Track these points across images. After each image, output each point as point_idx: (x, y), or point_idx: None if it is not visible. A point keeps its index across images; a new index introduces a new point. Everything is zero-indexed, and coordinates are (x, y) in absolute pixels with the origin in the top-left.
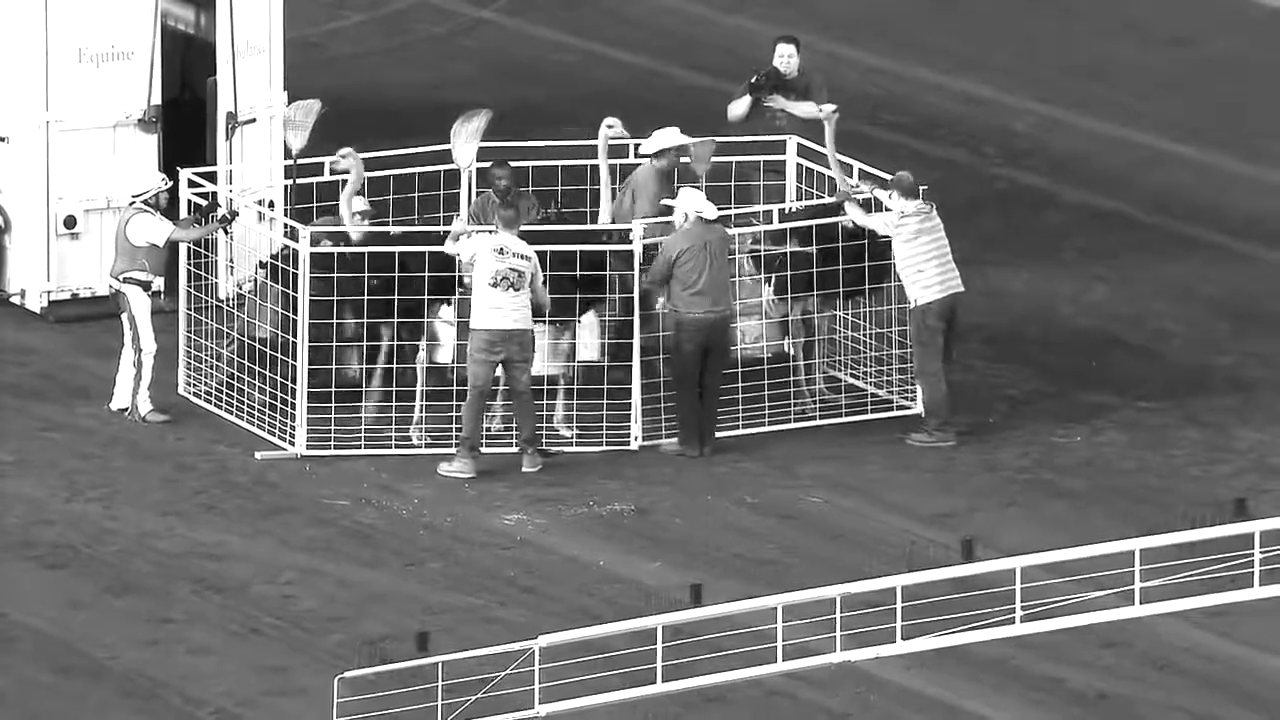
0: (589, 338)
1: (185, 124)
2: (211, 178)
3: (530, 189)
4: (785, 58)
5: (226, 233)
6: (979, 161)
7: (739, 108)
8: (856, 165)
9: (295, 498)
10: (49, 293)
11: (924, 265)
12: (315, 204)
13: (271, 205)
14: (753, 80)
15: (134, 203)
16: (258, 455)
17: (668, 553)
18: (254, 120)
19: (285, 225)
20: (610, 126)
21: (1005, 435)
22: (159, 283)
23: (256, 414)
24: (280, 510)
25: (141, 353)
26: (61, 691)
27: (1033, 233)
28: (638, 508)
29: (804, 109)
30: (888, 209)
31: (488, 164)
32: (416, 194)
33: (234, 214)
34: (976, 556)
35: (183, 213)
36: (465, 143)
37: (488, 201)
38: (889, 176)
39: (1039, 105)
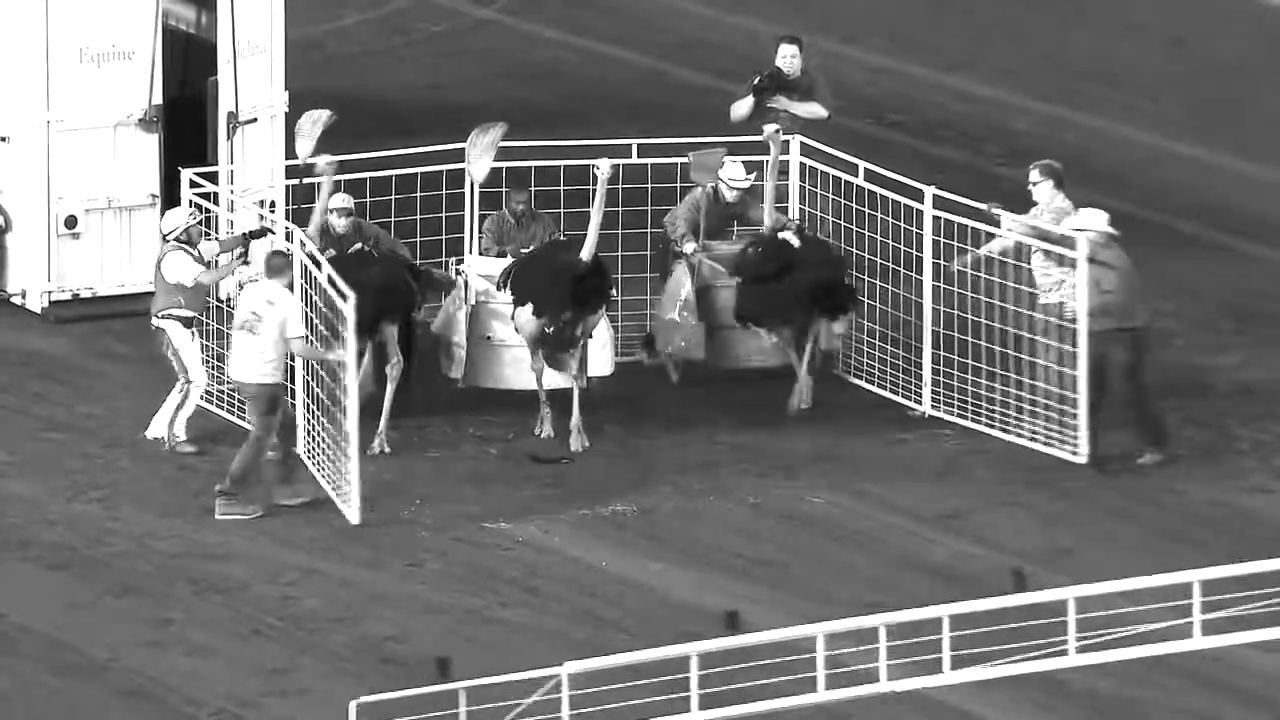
0: (601, 353)
1: (186, 123)
2: (212, 178)
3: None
4: (788, 58)
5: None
6: (981, 161)
7: (742, 108)
8: (862, 165)
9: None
10: (50, 293)
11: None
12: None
13: (273, 206)
14: (756, 81)
15: (167, 239)
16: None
17: (669, 553)
18: (255, 120)
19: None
20: (599, 167)
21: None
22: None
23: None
24: (281, 511)
25: (191, 385)
26: (62, 692)
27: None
28: (640, 508)
29: (807, 109)
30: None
31: (502, 164)
32: (418, 194)
33: (265, 230)
34: (1028, 586)
35: (183, 205)
36: (480, 156)
37: (502, 222)
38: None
39: (1040, 104)
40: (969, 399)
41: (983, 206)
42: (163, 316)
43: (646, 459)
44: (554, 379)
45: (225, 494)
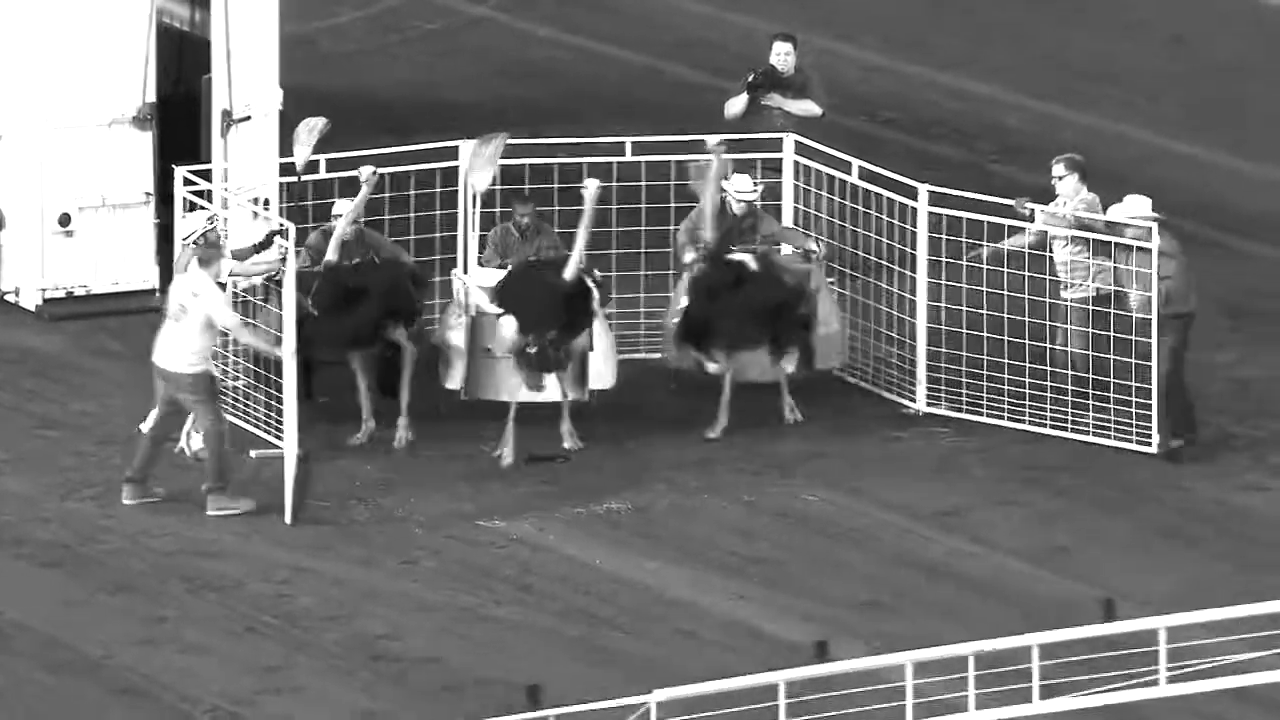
0: (603, 367)
1: (180, 121)
2: (206, 176)
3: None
4: (782, 55)
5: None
6: (975, 158)
7: (736, 106)
8: (856, 163)
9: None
10: (44, 290)
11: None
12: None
13: (266, 204)
14: (750, 79)
15: (187, 245)
16: (251, 454)
17: (664, 551)
18: (249, 118)
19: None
20: (586, 187)
21: (1001, 432)
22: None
23: (251, 412)
24: (275, 508)
25: None
26: (56, 690)
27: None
28: (634, 506)
29: (801, 107)
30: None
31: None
32: (412, 192)
33: (279, 231)
34: (1117, 615)
35: (179, 212)
36: (482, 168)
37: (507, 234)
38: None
39: (1035, 102)
40: (1004, 397)
41: (1012, 202)
42: None
43: (641, 457)
44: (534, 395)
45: (212, 490)
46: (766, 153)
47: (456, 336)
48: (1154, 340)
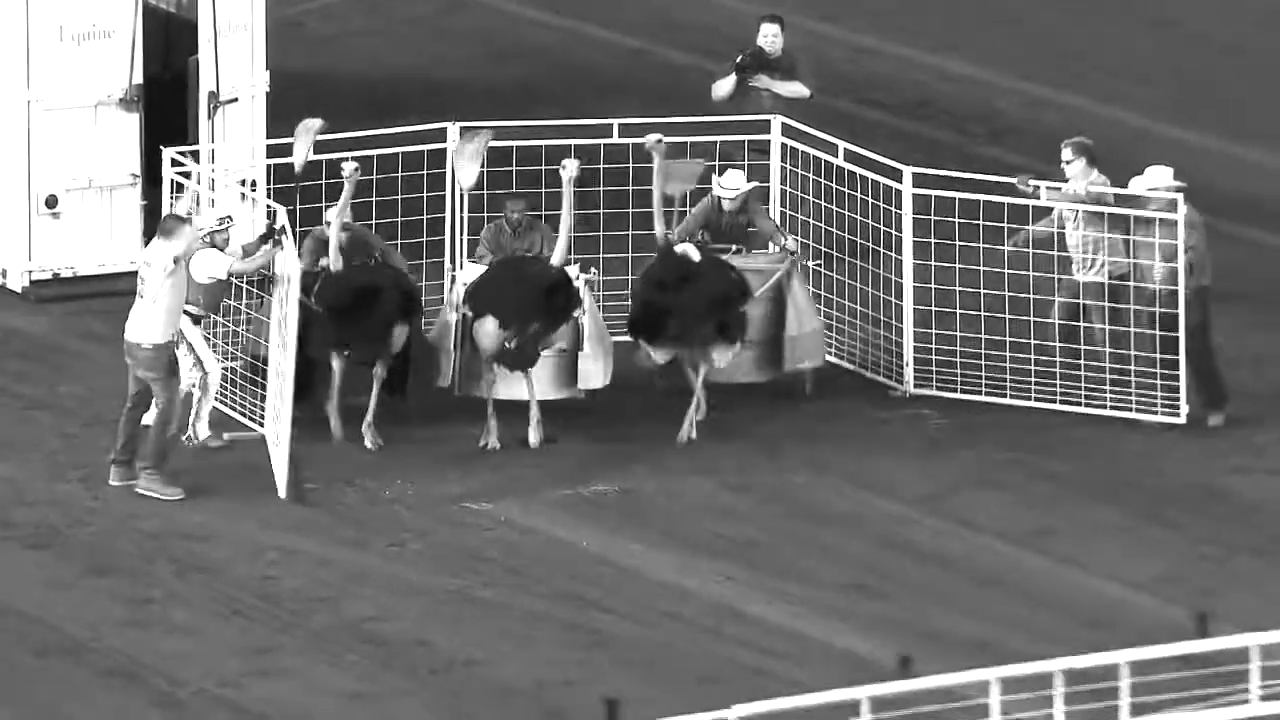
0: (592, 366)
1: (167, 103)
2: (194, 157)
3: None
4: (770, 37)
5: (278, 244)
6: (964, 140)
7: (723, 87)
8: (842, 145)
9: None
10: (30, 273)
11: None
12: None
13: (254, 185)
14: (738, 60)
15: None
16: (225, 436)
17: (650, 534)
18: (236, 99)
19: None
20: (564, 167)
21: (988, 414)
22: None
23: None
24: (263, 491)
25: (207, 375)
26: (43, 671)
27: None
28: (621, 489)
29: (789, 88)
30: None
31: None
32: (400, 174)
33: (280, 229)
34: (1209, 631)
35: (213, 209)
36: (468, 162)
37: (499, 232)
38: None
39: (1024, 84)
40: (994, 377)
41: (1014, 181)
42: None
43: (629, 439)
44: (510, 390)
45: (146, 469)
46: (754, 134)
47: (448, 333)
48: (1180, 311)
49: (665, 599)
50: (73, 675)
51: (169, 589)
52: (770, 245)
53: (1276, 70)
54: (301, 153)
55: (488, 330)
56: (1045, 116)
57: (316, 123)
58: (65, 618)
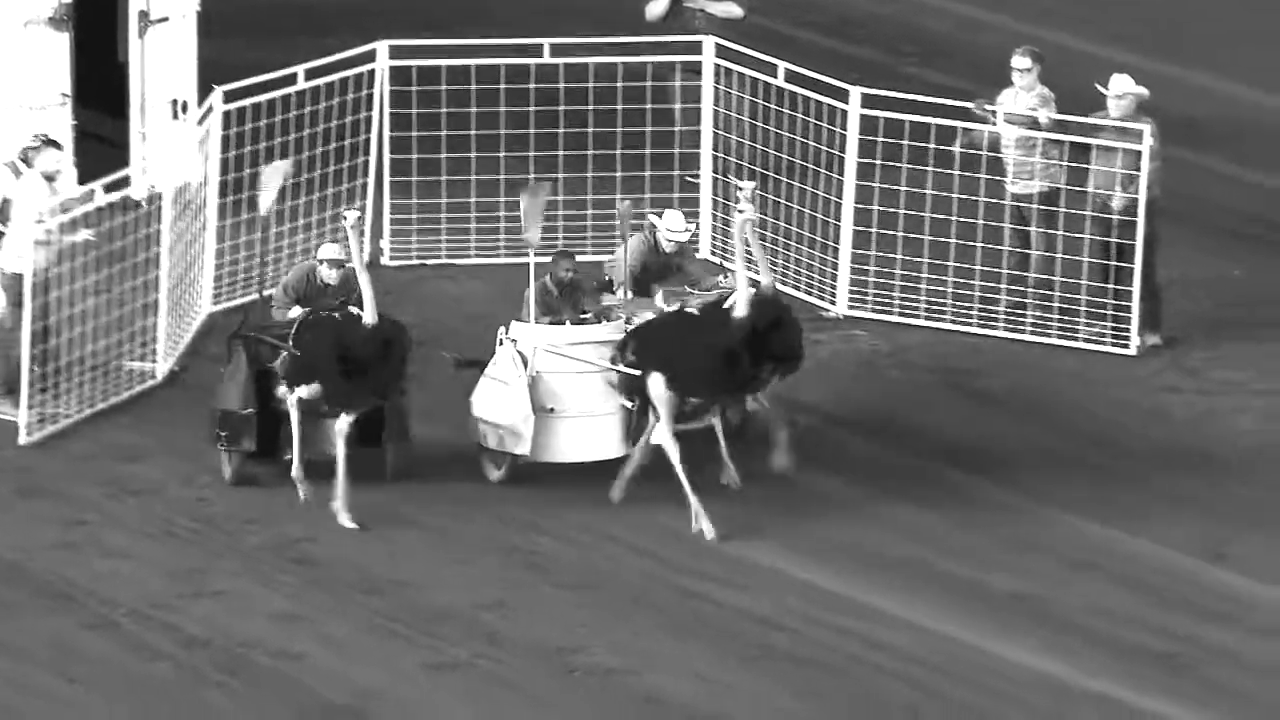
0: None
1: (97, 23)
2: (123, 75)
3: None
4: None
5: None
6: (896, 61)
7: (657, 8)
8: (782, 65)
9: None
10: None
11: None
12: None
13: (184, 107)
14: None
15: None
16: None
17: (575, 475)
18: (166, 19)
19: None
20: (345, 217)
21: (919, 335)
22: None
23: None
24: (194, 414)
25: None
26: None
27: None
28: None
29: (722, 8)
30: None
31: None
32: (334, 101)
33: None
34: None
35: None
36: (533, 220)
37: (546, 293)
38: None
39: (959, 5)
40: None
41: (970, 105)
42: None
43: None
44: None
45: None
46: (687, 55)
47: (516, 399)
48: (1139, 242)
49: (599, 522)
50: (4, 598)
51: (101, 511)
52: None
53: None
54: (269, 197)
55: (660, 386)
56: (979, 38)
57: (284, 164)
58: None
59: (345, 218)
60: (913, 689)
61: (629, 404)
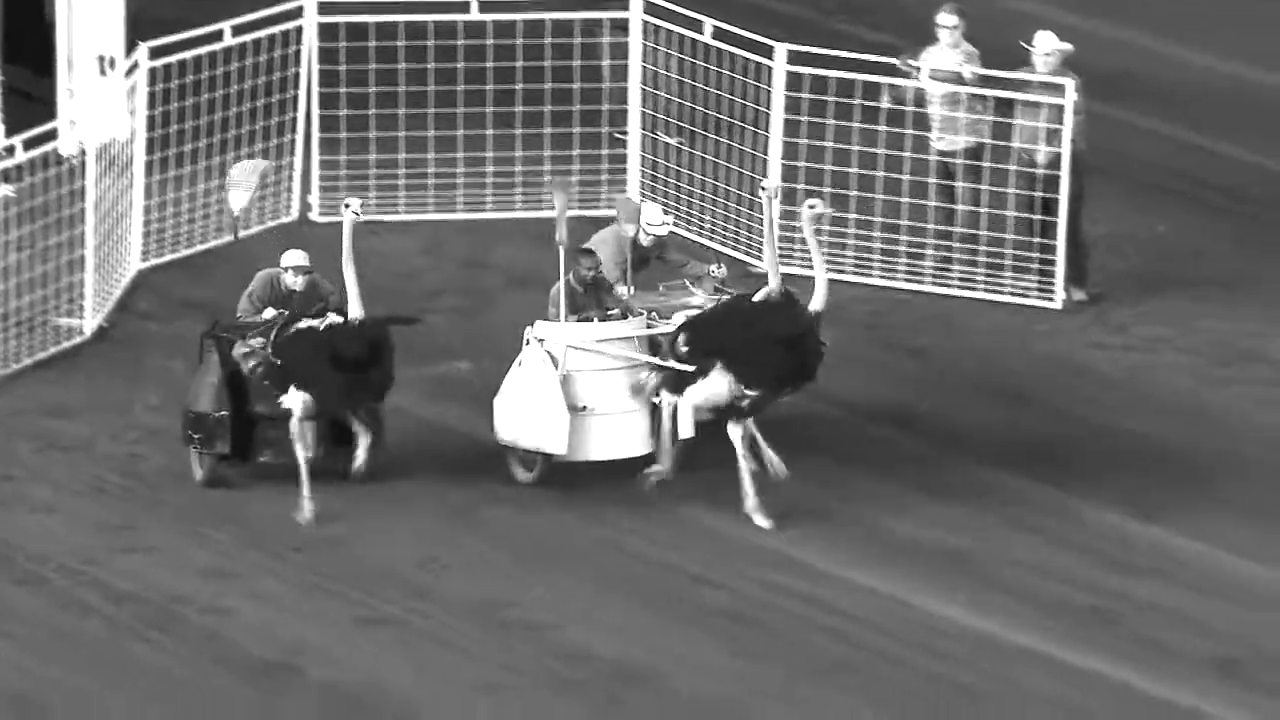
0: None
1: None
2: (50, 24)
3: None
4: None
5: None
6: (821, 18)
7: None
8: (709, 22)
9: (141, 362)
10: None
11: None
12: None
13: (112, 63)
14: None
15: None
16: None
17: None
18: None
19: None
20: (348, 206)
21: (848, 292)
22: None
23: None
24: (126, 370)
25: None
26: None
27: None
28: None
29: None
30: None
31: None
32: (264, 57)
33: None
34: None
35: None
36: (563, 219)
37: (573, 292)
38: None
39: None
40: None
41: (896, 61)
42: None
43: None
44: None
45: None
46: (614, 10)
47: (550, 396)
48: (1063, 196)
49: (551, 487)
50: None
51: (29, 467)
52: (690, 278)
53: None
54: (244, 198)
55: (719, 388)
56: None
57: (261, 163)
58: None
59: (348, 205)
60: (846, 645)
61: (657, 401)
